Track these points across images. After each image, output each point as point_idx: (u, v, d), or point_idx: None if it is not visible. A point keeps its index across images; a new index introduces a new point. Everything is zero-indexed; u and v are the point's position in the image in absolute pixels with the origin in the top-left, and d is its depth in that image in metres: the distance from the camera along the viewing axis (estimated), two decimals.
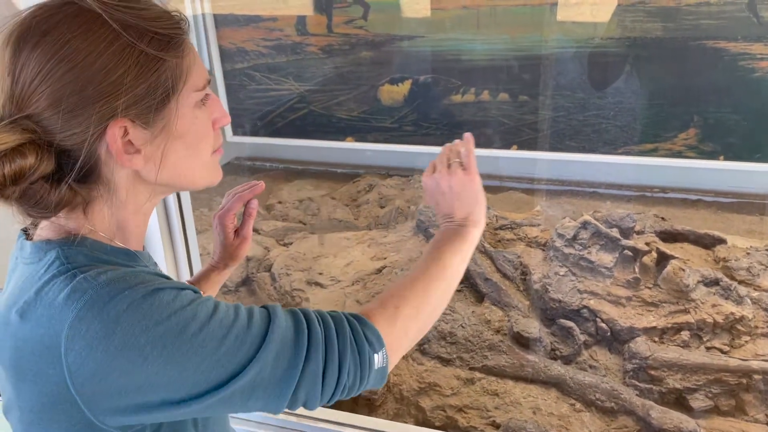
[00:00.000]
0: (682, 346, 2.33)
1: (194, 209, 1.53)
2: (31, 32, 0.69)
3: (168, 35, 0.73)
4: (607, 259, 2.47)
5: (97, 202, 0.77)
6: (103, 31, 0.69)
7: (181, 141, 0.77)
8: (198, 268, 1.53)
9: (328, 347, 0.75)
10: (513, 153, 3.65)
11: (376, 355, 0.79)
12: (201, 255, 1.62)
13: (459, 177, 1.00)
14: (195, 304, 0.71)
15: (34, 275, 0.73)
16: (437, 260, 0.92)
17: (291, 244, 3.33)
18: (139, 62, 0.70)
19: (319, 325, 0.77)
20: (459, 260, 0.95)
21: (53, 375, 0.68)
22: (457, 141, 1.08)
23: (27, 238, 0.80)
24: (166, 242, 1.36)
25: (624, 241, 2.48)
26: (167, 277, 0.80)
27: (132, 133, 0.73)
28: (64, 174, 0.72)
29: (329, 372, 0.74)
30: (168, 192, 0.86)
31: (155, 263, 0.91)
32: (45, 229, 0.78)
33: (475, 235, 0.99)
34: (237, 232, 1.14)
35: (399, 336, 0.84)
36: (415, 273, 0.91)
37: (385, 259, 2.98)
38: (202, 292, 1.10)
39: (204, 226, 3.30)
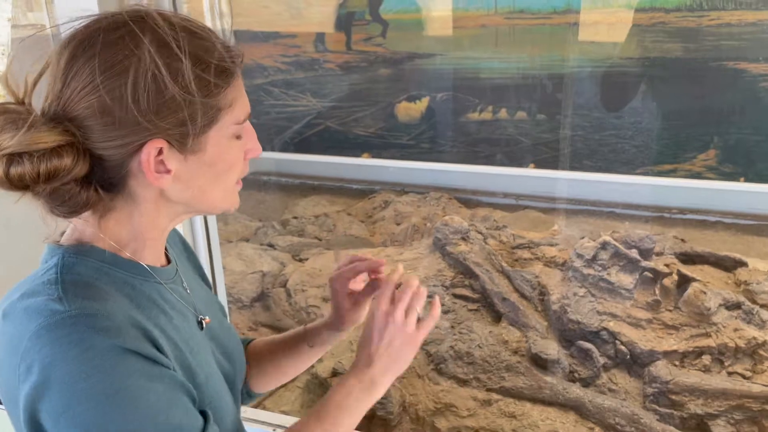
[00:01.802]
0: (703, 371, 2.30)
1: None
2: (91, 41, 0.70)
3: (220, 67, 0.74)
4: (627, 280, 2.44)
5: (117, 210, 0.77)
6: (161, 52, 0.70)
7: (211, 168, 0.78)
8: (221, 279, 1.54)
9: None
10: (530, 171, 3.64)
11: None
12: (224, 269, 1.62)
13: (407, 335, 0.91)
14: (146, 384, 0.69)
15: (33, 276, 0.75)
16: (338, 419, 0.89)
17: (306, 259, 3.33)
18: (188, 90, 0.71)
19: None
20: (356, 420, 0.91)
21: (11, 373, 0.69)
22: (420, 288, 0.95)
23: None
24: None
25: (644, 263, 2.45)
26: (163, 304, 0.79)
27: (166, 153, 0.73)
28: (93, 178, 0.73)
29: None
30: (188, 213, 0.85)
31: (182, 281, 0.90)
32: (65, 235, 0.79)
33: (377, 397, 0.93)
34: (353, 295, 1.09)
35: None
36: (312, 425, 0.88)
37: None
38: (311, 344, 1.09)
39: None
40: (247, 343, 1.11)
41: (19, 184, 0.70)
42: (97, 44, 0.70)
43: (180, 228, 1.35)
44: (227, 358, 0.93)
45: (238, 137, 0.80)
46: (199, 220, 1.37)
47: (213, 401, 0.80)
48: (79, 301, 0.70)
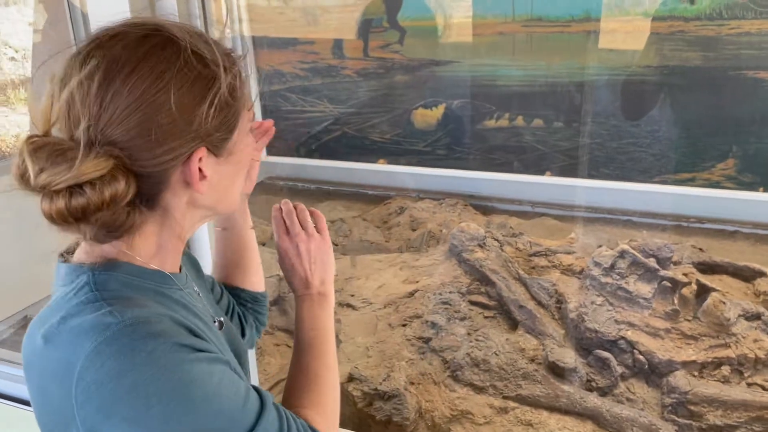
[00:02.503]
0: (722, 382, 2.28)
1: None
2: (122, 61, 0.70)
3: (238, 68, 0.78)
4: (645, 289, 2.43)
5: (147, 225, 0.78)
6: (191, 64, 0.72)
7: (236, 166, 0.82)
8: None
9: None
10: (546, 179, 3.64)
11: None
12: None
13: (317, 241, 0.99)
14: (208, 368, 0.72)
15: (64, 298, 0.74)
16: (321, 343, 0.95)
17: None
18: (221, 95, 0.74)
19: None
20: (331, 330, 0.98)
21: (64, 399, 0.69)
22: (298, 204, 1.03)
23: (63, 261, 0.81)
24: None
25: (663, 272, 2.44)
26: (193, 308, 0.82)
27: (205, 160, 0.76)
28: (137, 199, 0.75)
29: None
30: (206, 218, 0.87)
31: (193, 285, 0.92)
32: (80, 252, 0.79)
33: (332, 301, 1.00)
34: None
35: (335, 423, 0.92)
36: (307, 363, 0.93)
37: (417, 282, 2.97)
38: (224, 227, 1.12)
39: None
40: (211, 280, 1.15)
41: (78, 216, 0.69)
42: (130, 64, 0.70)
43: (204, 230, 1.36)
44: (237, 354, 0.96)
45: (251, 128, 0.86)
46: None
47: None
48: (129, 311, 0.71)
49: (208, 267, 1.41)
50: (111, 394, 0.66)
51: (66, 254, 0.82)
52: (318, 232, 1.00)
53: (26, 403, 1.60)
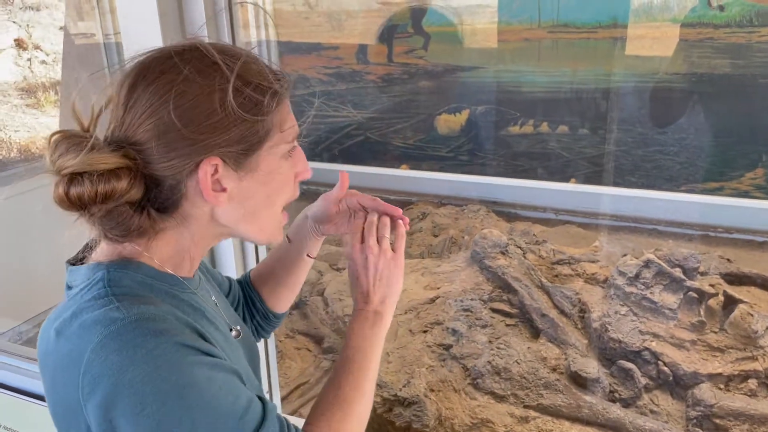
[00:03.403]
0: (749, 395, 2.23)
1: None
2: (150, 70, 0.75)
3: (270, 89, 0.78)
4: (670, 300, 2.39)
5: (166, 231, 0.80)
6: (212, 77, 0.74)
7: (263, 188, 0.81)
8: None
9: None
10: (571, 186, 3.60)
11: None
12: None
13: (388, 258, 0.96)
14: (208, 374, 0.72)
15: (79, 293, 0.76)
16: (363, 361, 0.92)
17: (344, 269, 3.35)
18: (241, 107, 0.75)
19: None
20: (378, 353, 0.94)
21: (72, 389, 0.70)
22: (384, 218, 1.00)
23: (79, 262, 0.83)
24: (239, 257, 1.39)
25: (689, 282, 2.40)
26: (203, 311, 0.83)
27: (221, 171, 0.77)
28: (147, 203, 0.77)
29: None
30: (229, 236, 0.88)
31: (209, 289, 0.93)
32: (99, 253, 0.81)
33: (388, 322, 0.96)
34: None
35: None
36: (340, 379, 0.90)
37: (438, 288, 2.96)
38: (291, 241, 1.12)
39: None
40: (247, 277, 1.15)
41: (77, 204, 0.73)
42: (155, 72, 0.75)
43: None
44: (252, 361, 0.97)
45: (289, 156, 0.83)
46: None
47: None
48: (135, 307, 0.72)
49: (231, 271, 1.42)
50: (112, 388, 0.68)
51: (74, 260, 0.84)
52: (393, 250, 0.97)
53: None
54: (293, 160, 0.84)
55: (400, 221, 1.00)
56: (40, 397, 1.67)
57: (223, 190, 0.78)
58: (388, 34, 3.95)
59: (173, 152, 0.74)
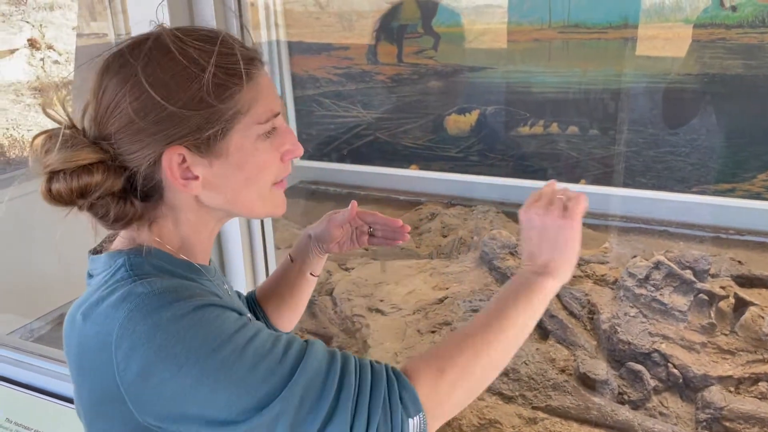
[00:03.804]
0: (759, 398, 2.22)
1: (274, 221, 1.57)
2: (114, 61, 0.76)
3: (233, 69, 0.76)
4: (680, 301, 2.38)
5: (162, 219, 0.81)
6: (171, 64, 0.74)
7: (239, 171, 0.79)
8: None
9: (359, 401, 0.72)
10: (581, 187, 3.59)
11: (411, 420, 0.74)
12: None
13: (555, 217, 0.88)
14: (236, 327, 0.72)
15: (102, 279, 0.78)
16: (502, 314, 0.83)
17: (353, 269, 3.35)
18: (199, 94, 0.74)
19: (355, 376, 0.74)
20: (527, 316, 0.85)
21: (106, 372, 0.71)
22: (568, 191, 0.94)
23: (99, 253, 0.85)
24: (246, 254, 1.40)
25: (699, 284, 2.39)
26: (219, 296, 0.82)
27: (189, 159, 0.76)
28: (129, 191, 0.78)
29: (357, 426, 0.71)
30: (229, 217, 0.88)
31: (223, 276, 0.94)
32: (117, 242, 0.83)
33: (550, 288, 0.88)
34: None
35: (441, 401, 0.77)
36: (473, 327, 0.82)
37: (447, 289, 2.96)
38: (294, 259, 1.12)
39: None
40: (253, 294, 1.15)
41: (60, 200, 0.75)
42: (116, 65, 0.75)
43: (237, 234, 1.38)
44: None
45: (267, 137, 0.81)
46: (257, 227, 1.40)
47: None
48: (159, 281, 0.74)
49: (238, 275, 1.43)
50: (145, 356, 0.68)
51: (96, 250, 0.86)
52: (565, 209, 0.89)
53: (63, 398, 1.64)
54: (277, 140, 0.82)
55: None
56: (51, 394, 1.68)
57: (195, 177, 0.77)
58: (398, 33, 3.95)
59: (136, 144, 0.75)
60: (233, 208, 0.83)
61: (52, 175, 0.75)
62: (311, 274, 1.13)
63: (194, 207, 0.81)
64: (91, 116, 0.77)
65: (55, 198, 0.75)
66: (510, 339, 0.82)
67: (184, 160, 0.76)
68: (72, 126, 0.78)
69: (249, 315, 0.95)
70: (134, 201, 0.78)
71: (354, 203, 1.10)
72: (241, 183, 0.80)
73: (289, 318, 1.14)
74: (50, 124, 0.79)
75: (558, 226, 0.88)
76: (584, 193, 0.91)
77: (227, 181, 0.79)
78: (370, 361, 0.77)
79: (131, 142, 0.75)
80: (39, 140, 0.76)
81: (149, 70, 0.73)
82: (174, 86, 0.73)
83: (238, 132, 0.77)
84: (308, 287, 1.14)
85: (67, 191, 0.74)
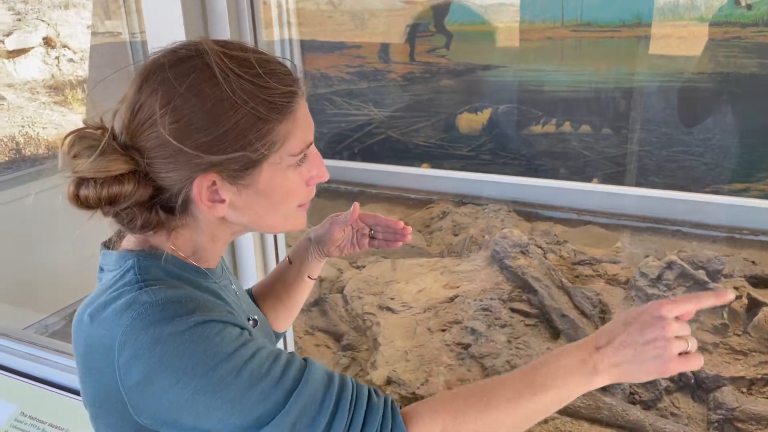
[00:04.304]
0: None
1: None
2: (154, 76, 0.75)
3: (273, 103, 0.75)
4: None
5: (182, 229, 0.82)
6: (213, 91, 0.73)
7: (266, 198, 0.80)
8: None
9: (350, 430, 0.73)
10: (593, 186, 3.57)
11: None
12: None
13: (666, 350, 0.76)
14: (235, 345, 0.72)
15: (111, 280, 0.79)
16: (530, 385, 0.77)
17: (364, 267, 3.36)
18: (238, 125, 0.73)
19: (350, 407, 0.74)
20: (559, 398, 0.77)
21: (109, 374, 0.72)
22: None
23: (111, 248, 0.86)
24: (258, 255, 1.41)
25: (712, 284, 2.37)
26: (225, 301, 0.84)
27: (220, 185, 0.77)
28: (155, 202, 0.78)
29: None
30: (249, 232, 0.88)
31: (229, 277, 0.94)
32: (129, 241, 0.84)
33: (598, 384, 0.78)
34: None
35: None
36: (492, 385, 0.77)
37: (457, 287, 2.96)
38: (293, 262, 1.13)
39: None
40: (249, 291, 1.15)
41: (87, 205, 0.76)
42: (158, 80, 0.74)
43: (250, 234, 1.39)
44: None
45: (298, 166, 0.81)
46: None
47: None
48: (163, 291, 0.75)
49: (250, 274, 1.44)
50: (146, 366, 0.70)
51: (108, 243, 0.87)
52: (683, 354, 0.78)
53: (76, 392, 1.66)
54: (306, 166, 0.82)
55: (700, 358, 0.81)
56: (66, 388, 1.70)
57: (222, 201, 0.78)
58: (411, 32, 3.95)
59: (171, 165, 0.75)
60: (255, 227, 0.85)
61: (81, 181, 0.75)
62: (309, 276, 1.13)
63: (216, 222, 0.82)
64: (123, 123, 0.76)
65: (82, 203, 0.75)
66: (533, 405, 0.77)
67: (213, 184, 0.76)
68: (102, 127, 0.78)
69: (255, 317, 0.96)
70: (159, 211, 0.78)
71: (356, 205, 1.09)
72: (267, 208, 0.81)
73: (285, 318, 1.14)
74: (65, 123, 0.79)
75: (657, 356, 0.77)
76: (702, 357, 0.80)
77: (253, 206, 0.80)
78: (370, 391, 0.77)
79: (165, 162, 0.75)
80: (68, 140, 0.76)
81: (191, 95, 0.73)
82: (214, 115, 0.73)
83: (270, 163, 0.78)
84: (305, 289, 1.15)
85: (96, 199, 0.74)
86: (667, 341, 0.76)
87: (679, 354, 0.77)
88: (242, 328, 0.76)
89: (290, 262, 1.14)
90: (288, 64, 0.81)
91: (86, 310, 0.78)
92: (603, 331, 0.80)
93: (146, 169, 0.75)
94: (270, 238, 1.44)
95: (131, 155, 0.75)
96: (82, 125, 0.78)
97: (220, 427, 0.71)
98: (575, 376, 0.77)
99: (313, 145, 0.83)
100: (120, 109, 0.78)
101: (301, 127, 0.79)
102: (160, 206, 0.78)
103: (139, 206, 0.77)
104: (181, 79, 0.73)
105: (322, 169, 0.85)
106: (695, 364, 0.78)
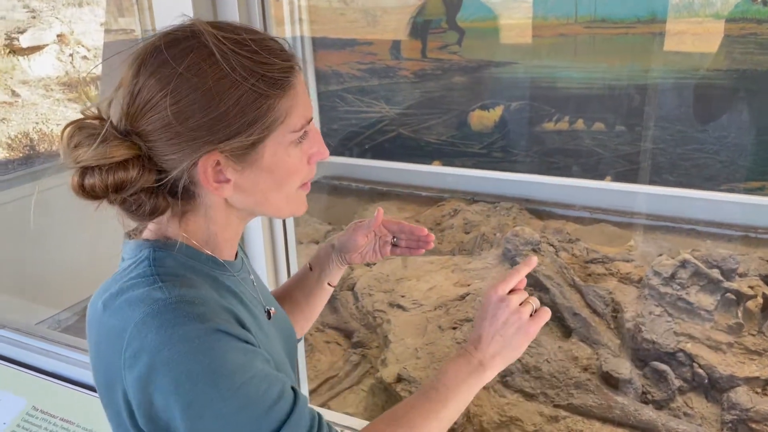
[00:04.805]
0: None
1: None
2: (151, 59, 0.74)
3: (273, 78, 0.75)
4: (707, 301, 2.34)
5: (190, 215, 0.82)
6: (212, 70, 0.73)
7: (270, 176, 0.80)
8: None
9: None
10: (606, 184, 3.54)
11: None
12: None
13: (521, 321, 0.88)
14: (239, 363, 0.73)
15: (126, 269, 0.80)
16: (436, 400, 0.86)
17: (374, 264, 3.35)
18: (239, 102, 0.73)
19: None
20: (464, 403, 0.88)
21: (115, 362, 0.74)
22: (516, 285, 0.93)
23: (129, 238, 0.87)
24: (269, 252, 1.41)
25: (726, 284, 2.34)
26: (241, 297, 0.84)
27: (224, 164, 0.77)
28: (161, 186, 0.78)
29: None
30: (253, 217, 0.89)
31: (249, 271, 0.94)
32: (146, 231, 0.84)
33: (487, 379, 0.90)
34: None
35: None
36: (404, 411, 0.85)
37: (468, 285, 2.95)
38: (312, 268, 1.13)
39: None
40: None
41: (93, 194, 0.75)
42: (156, 62, 0.74)
43: (260, 229, 1.39)
44: (287, 344, 0.97)
45: (300, 142, 0.81)
46: (279, 222, 1.41)
47: None
48: (177, 289, 0.75)
49: (260, 270, 1.44)
50: (150, 364, 0.70)
51: (132, 233, 0.87)
52: (533, 315, 0.90)
53: (88, 387, 1.67)
54: (307, 143, 0.82)
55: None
56: (78, 383, 1.71)
57: (227, 181, 0.78)
58: (422, 29, 3.93)
59: (174, 147, 0.75)
60: (260, 209, 0.85)
61: (86, 170, 0.75)
62: (329, 283, 1.13)
63: (222, 206, 0.82)
64: (122, 110, 0.76)
65: (88, 192, 0.75)
66: (445, 416, 0.86)
67: (218, 164, 0.76)
68: (99, 117, 0.78)
69: (272, 308, 0.95)
70: (166, 196, 0.79)
71: (380, 210, 1.09)
72: (271, 187, 0.81)
73: (302, 325, 1.14)
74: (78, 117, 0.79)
75: (518, 328, 0.88)
76: (549, 309, 0.93)
77: (258, 185, 0.80)
78: None
79: (167, 144, 0.74)
80: (67, 131, 0.76)
81: (190, 75, 0.73)
82: (215, 94, 0.73)
83: (273, 140, 0.78)
84: (324, 296, 1.15)
85: (102, 187, 0.74)
86: (517, 313, 0.88)
87: (531, 315, 0.89)
88: (246, 342, 0.75)
89: (311, 269, 1.14)
90: (280, 40, 0.81)
91: (100, 298, 0.79)
92: (472, 334, 0.91)
93: (149, 154, 0.75)
94: (279, 233, 1.43)
95: (133, 140, 0.75)
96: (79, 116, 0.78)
97: None
98: (469, 379, 0.87)
99: (312, 122, 0.83)
100: (116, 97, 0.77)
101: (301, 102, 0.80)
102: (167, 191, 0.78)
103: (146, 192, 0.77)
104: (180, 60, 0.73)
105: (322, 145, 0.85)
106: (545, 316, 0.91)
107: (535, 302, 0.91)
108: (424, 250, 1.10)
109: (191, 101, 0.72)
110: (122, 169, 0.74)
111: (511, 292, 0.91)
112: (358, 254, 1.11)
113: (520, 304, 0.89)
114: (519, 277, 0.91)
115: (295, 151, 0.81)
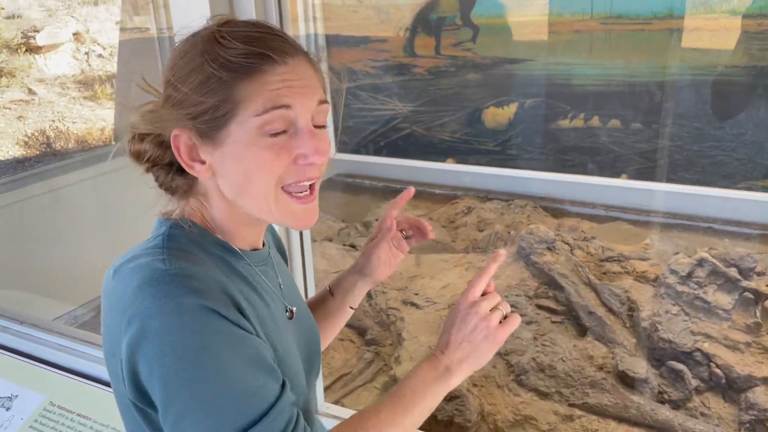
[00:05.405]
0: None
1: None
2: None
3: (237, 63, 0.78)
4: (725, 300, 2.31)
5: (201, 197, 0.86)
6: (188, 56, 0.80)
7: (238, 162, 0.80)
8: (311, 276, 1.57)
9: None
10: (621, 182, 3.51)
11: None
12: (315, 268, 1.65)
13: (490, 328, 0.88)
14: (227, 345, 0.72)
15: (146, 242, 0.83)
16: (402, 405, 0.87)
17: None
18: (203, 81, 0.79)
19: None
20: (430, 408, 0.89)
21: (116, 323, 0.75)
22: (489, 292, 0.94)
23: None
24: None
25: (744, 282, 2.32)
26: (253, 286, 0.85)
27: (198, 143, 0.81)
28: (172, 164, 0.85)
29: None
30: (250, 214, 0.86)
31: (274, 266, 0.93)
32: (169, 207, 0.88)
33: (454, 385, 0.90)
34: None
35: None
36: (369, 416, 0.85)
37: None
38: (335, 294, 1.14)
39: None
40: None
41: (134, 158, 0.86)
42: (176, 52, 0.83)
43: (276, 227, 1.39)
44: (308, 350, 0.97)
45: (273, 135, 0.79)
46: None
47: (287, 377, 0.82)
48: (180, 263, 0.76)
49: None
50: (140, 330, 0.72)
51: (165, 213, 0.90)
52: (502, 322, 0.90)
53: (104, 383, 1.68)
54: (293, 141, 0.80)
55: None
56: (95, 379, 1.72)
57: (202, 162, 0.82)
58: (436, 26, 3.92)
59: (159, 123, 0.82)
60: (241, 201, 0.83)
61: (132, 135, 0.85)
62: (351, 307, 1.14)
63: (216, 192, 0.84)
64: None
65: (129, 153, 0.85)
66: (411, 420, 0.87)
67: (191, 141, 0.81)
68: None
69: (294, 308, 0.95)
70: (175, 175, 0.84)
71: (393, 223, 1.11)
72: (241, 175, 0.81)
73: (321, 343, 1.14)
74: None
75: (485, 336, 0.89)
76: (518, 315, 0.92)
77: (229, 170, 0.81)
78: None
79: (155, 122, 0.82)
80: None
81: (178, 60, 0.81)
82: (186, 74, 0.80)
83: (236, 122, 0.79)
84: (345, 318, 1.16)
85: (129, 153, 0.85)
86: (485, 320, 0.88)
87: (501, 322, 0.89)
88: (239, 326, 0.75)
89: (332, 295, 1.14)
90: (278, 31, 0.84)
91: (115, 264, 0.82)
92: (441, 339, 0.91)
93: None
94: (295, 231, 1.43)
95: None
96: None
97: (176, 415, 0.71)
98: (435, 385, 0.89)
99: (308, 123, 0.81)
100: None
101: (269, 89, 0.79)
102: (176, 170, 0.84)
103: (163, 168, 0.84)
104: (178, 50, 0.81)
105: (311, 148, 0.81)
106: (514, 323, 0.90)
107: (505, 307, 0.91)
108: (430, 235, 1.11)
109: (171, 83, 0.80)
110: (139, 141, 0.84)
111: (483, 294, 0.91)
112: (386, 267, 1.11)
113: (491, 310, 0.90)
114: (488, 276, 0.92)
115: (265, 141, 0.79)
